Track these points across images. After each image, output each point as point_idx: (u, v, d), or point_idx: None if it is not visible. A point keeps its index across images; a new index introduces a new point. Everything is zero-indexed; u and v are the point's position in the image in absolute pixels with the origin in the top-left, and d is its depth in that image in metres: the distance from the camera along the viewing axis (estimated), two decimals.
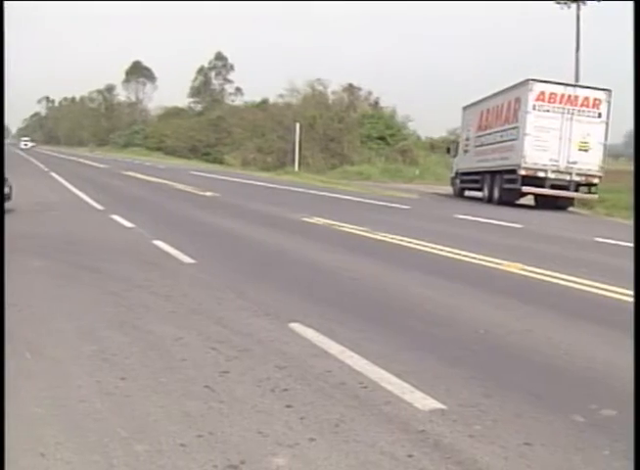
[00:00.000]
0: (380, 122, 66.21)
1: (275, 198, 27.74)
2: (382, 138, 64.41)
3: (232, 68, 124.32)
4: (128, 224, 15.99)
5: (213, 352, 6.37)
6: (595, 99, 26.08)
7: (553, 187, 26.39)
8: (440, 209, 25.78)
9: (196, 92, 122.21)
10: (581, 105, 26.00)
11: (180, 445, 4.44)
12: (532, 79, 26.32)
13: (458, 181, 34.57)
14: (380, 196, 30.68)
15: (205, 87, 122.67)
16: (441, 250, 13.01)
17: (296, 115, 61.73)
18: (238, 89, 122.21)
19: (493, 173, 29.11)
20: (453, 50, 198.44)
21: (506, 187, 27.65)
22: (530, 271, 10.94)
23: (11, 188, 19.25)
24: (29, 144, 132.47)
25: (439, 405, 5.12)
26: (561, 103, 26.02)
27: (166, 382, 5.59)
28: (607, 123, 26.32)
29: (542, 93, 26.04)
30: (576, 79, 40.97)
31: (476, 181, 31.38)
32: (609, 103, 26.12)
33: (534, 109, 26.01)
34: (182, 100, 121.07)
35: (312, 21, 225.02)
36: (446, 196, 35.23)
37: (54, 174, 39.47)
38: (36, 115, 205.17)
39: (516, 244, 15.37)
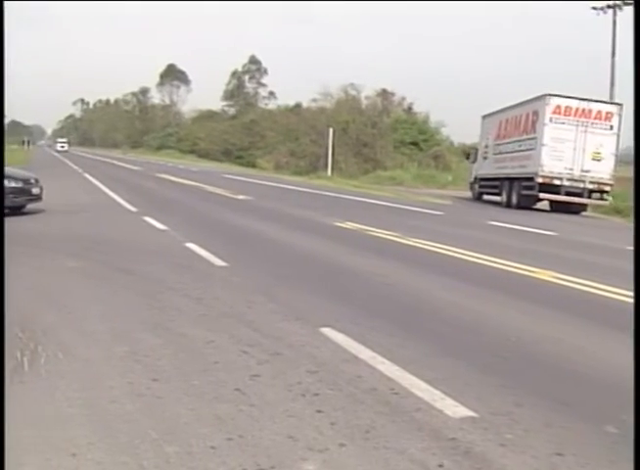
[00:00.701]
0: (413, 128, 66.08)
1: (308, 202, 27.72)
2: (415, 143, 64.27)
3: (266, 71, 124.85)
4: (161, 226, 16.08)
5: (244, 356, 6.39)
6: (607, 112, 28.11)
7: (568, 194, 28.24)
8: (473, 215, 25.66)
9: (229, 95, 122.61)
10: (594, 118, 27.97)
11: (210, 447, 4.45)
12: (549, 94, 28.20)
13: (477, 186, 36.43)
14: (412, 201, 30.59)
15: (239, 91, 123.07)
16: (473, 256, 12.94)
17: (329, 119, 61.72)
18: (271, 93, 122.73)
19: (512, 180, 30.77)
20: (489, 57, 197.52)
21: (524, 193, 29.40)
22: (563, 279, 10.86)
23: (42, 189, 19.51)
24: (66, 146, 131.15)
25: (470, 413, 5.10)
26: (575, 116, 27.99)
27: (198, 384, 5.62)
28: (618, 135, 28.27)
29: (558, 107, 28.00)
30: (612, 84, 40.80)
31: (494, 186, 33.17)
32: (620, 116, 27.99)
33: (551, 121, 28.02)
34: (216, 103, 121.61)
35: (347, 25, 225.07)
36: (479, 202, 35.12)
37: (87, 176, 39.80)
38: (71, 116, 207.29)
39: (548, 251, 15.25)
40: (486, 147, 35.27)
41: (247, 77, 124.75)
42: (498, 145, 33.43)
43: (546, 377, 6.25)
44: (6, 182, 18.29)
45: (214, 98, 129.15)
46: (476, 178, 36.60)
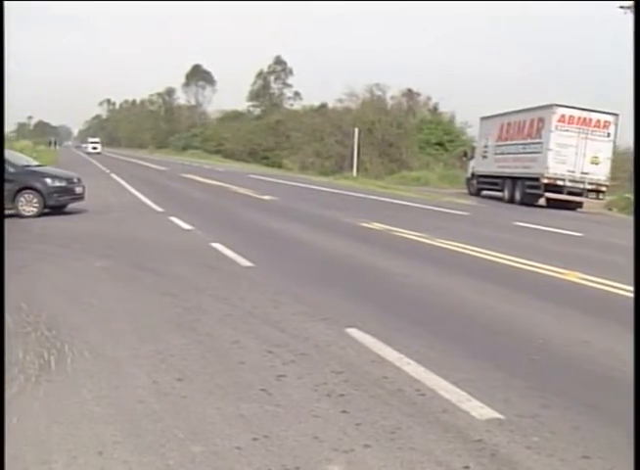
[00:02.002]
0: (438, 128, 65.81)
1: (333, 202, 27.70)
2: (440, 144, 64.00)
3: (291, 72, 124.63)
4: (187, 226, 16.14)
5: (270, 356, 6.39)
6: (605, 121, 31.23)
7: (569, 193, 31.28)
8: (499, 215, 25.50)
9: (255, 96, 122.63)
10: (594, 126, 31.15)
11: (236, 447, 4.46)
12: (556, 104, 31.35)
13: (475, 182, 39.55)
14: (438, 202, 30.48)
15: (265, 91, 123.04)
16: (501, 257, 12.87)
17: (354, 119, 61.59)
18: (297, 93, 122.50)
19: (515, 179, 33.93)
20: (513, 57, 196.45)
21: (528, 191, 32.56)
22: (589, 280, 10.77)
23: (84, 188, 19.83)
24: (99, 147, 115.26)
25: (497, 415, 5.07)
26: (577, 124, 31.13)
27: (223, 384, 5.63)
28: (614, 142, 31.84)
29: (563, 116, 31.13)
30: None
31: (495, 183, 36.41)
32: (616, 125, 31.14)
33: (556, 129, 31.13)
34: (241, 103, 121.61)
35: (373, 24, 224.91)
36: (505, 203, 34.93)
37: (114, 176, 40.02)
38: (97, 117, 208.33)
39: (576, 252, 15.15)
40: (486, 147, 38.23)
41: (272, 78, 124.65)
42: (500, 146, 36.45)
43: (573, 379, 6.20)
44: (50, 181, 18.67)
45: (240, 98, 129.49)
46: (473, 174, 39.78)
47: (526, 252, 13.73)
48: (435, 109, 72.27)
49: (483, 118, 39.87)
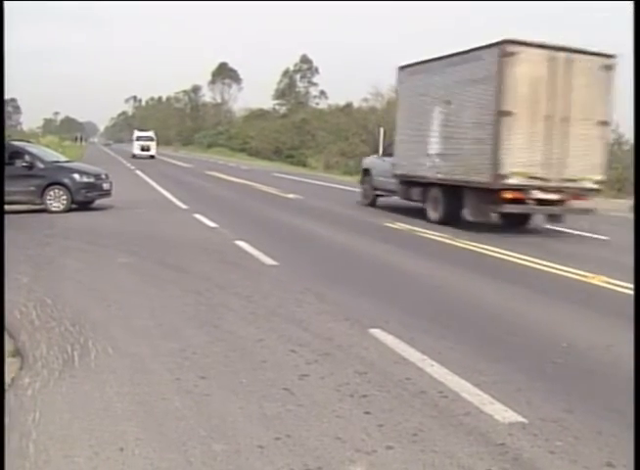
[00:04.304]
0: None
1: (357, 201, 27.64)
2: None
3: (317, 70, 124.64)
4: (211, 224, 16.18)
5: (293, 355, 6.39)
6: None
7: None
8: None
9: (280, 94, 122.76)
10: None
11: (258, 446, 4.46)
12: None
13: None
14: None
15: (290, 90, 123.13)
16: (523, 259, 12.80)
17: (379, 119, 61.43)
18: (322, 92, 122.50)
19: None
20: None
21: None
22: (615, 284, 10.69)
23: (111, 184, 19.98)
24: (152, 148, 70.47)
25: (520, 419, 5.04)
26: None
27: (246, 383, 5.63)
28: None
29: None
30: None
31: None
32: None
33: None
34: (267, 102, 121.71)
35: (398, 24, 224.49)
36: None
37: (139, 173, 40.16)
38: (123, 113, 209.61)
39: (600, 256, 15.03)
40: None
41: (298, 76, 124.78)
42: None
43: (597, 384, 6.16)
44: (78, 177, 18.85)
45: (265, 97, 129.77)
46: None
47: (550, 254, 13.65)
48: None
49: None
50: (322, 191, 33.18)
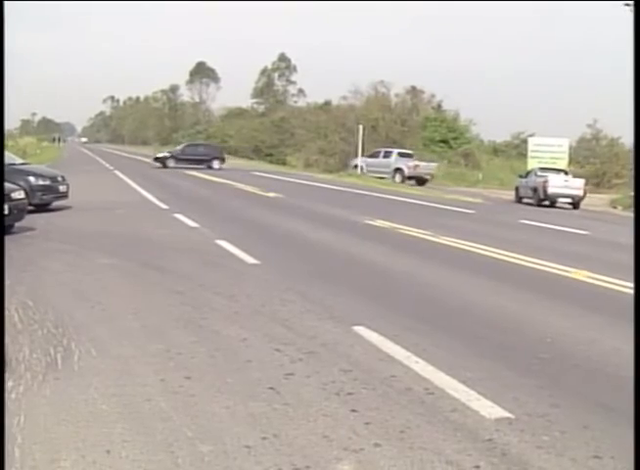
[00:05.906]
0: (442, 125, 65.61)
1: (338, 200, 27.65)
2: (444, 141, 63.82)
3: (295, 69, 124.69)
4: (192, 224, 16.12)
5: (278, 354, 6.37)
6: None
7: None
8: (504, 213, 25.46)
9: (259, 93, 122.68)
10: None
11: (245, 446, 4.44)
12: None
13: None
14: (443, 200, 30.42)
15: (268, 88, 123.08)
16: (506, 255, 12.85)
17: (358, 117, 61.55)
18: (301, 90, 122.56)
19: None
20: (517, 56, 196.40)
21: None
22: (598, 279, 10.74)
23: (68, 187, 19.73)
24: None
25: (507, 414, 5.05)
26: None
27: (231, 382, 5.61)
28: None
29: None
30: None
31: None
32: None
33: None
34: (245, 101, 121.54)
35: (374, 21, 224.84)
36: (510, 201, 34.83)
37: (118, 173, 39.98)
38: (101, 114, 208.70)
39: (582, 251, 15.11)
40: None
41: (276, 75, 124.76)
42: None
43: (583, 378, 6.18)
44: (33, 180, 18.55)
45: (244, 96, 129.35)
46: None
47: (532, 250, 13.70)
48: (439, 106, 72.07)
49: None
50: (302, 189, 33.21)
